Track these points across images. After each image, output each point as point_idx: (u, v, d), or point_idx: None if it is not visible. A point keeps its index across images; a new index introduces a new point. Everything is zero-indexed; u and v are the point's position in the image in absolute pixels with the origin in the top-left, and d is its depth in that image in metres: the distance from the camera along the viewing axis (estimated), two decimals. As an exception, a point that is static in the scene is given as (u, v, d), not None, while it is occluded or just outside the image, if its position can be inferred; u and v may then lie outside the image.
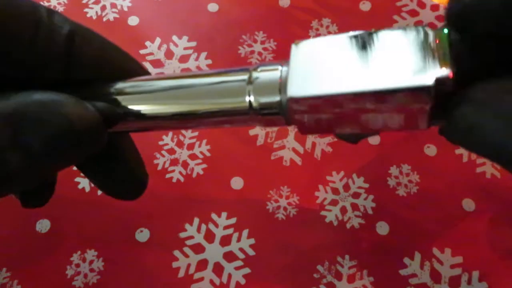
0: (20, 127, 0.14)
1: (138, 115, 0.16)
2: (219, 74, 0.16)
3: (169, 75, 0.17)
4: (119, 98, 0.17)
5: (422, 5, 0.31)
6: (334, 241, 0.25)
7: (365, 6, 0.32)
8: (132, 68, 0.19)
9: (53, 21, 0.16)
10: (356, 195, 0.26)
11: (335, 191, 0.26)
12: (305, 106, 0.14)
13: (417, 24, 0.31)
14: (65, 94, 0.15)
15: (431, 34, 0.13)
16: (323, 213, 0.26)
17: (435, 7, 0.31)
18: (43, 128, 0.14)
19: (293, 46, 0.15)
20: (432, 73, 0.12)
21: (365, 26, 0.31)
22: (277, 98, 0.15)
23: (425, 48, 0.13)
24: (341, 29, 0.31)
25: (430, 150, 0.26)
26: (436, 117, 0.13)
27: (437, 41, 0.13)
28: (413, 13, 0.31)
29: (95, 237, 0.25)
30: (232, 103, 0.15)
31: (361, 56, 0.13)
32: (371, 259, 0.24)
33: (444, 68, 0.12)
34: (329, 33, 0.31)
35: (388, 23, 0.31)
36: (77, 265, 0.25)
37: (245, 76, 0.15)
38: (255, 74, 0.15)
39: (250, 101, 0.15)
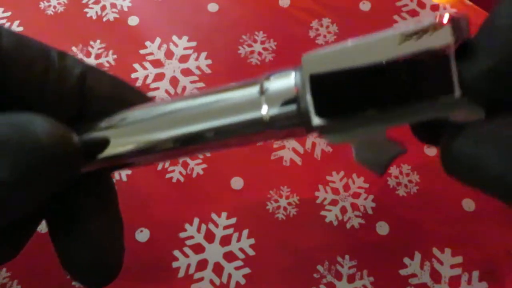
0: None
1: (136, 147, 0.15)
2: (227, 90, 0.15)
3: (174, 99, 0.16)
4: (117, 125, 0.16)
5: (422, 5, 0.31)
6: (334, 241, 0.25)
7: (365, 6, 0.32)
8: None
9: (64, 64, 0.16)
10: (356, 195, 0.26)
11: (335, 191, 0.26)
12: (328, 112, 0.13)
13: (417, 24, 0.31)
14: (39, 114, 0.13)
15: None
16: (323, 213, 0.26)
17: (435, 7, 0.31)
18: (10, 151, 0.12)
19: (304, 56, 0.14)
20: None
21: (365, 26, 0.31)
22: (296, 107, 0.13)
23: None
24: (341, 29, 0.31)
25: (430, 150, 0.26)
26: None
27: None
28: (413, 13, 0.31)
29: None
30: (245, 120, 0.14)
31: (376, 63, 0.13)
32: (371, 259, 0.24)
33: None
34: (329, 33, 0.31)
35: (388, 23, 0.31)
36: (77, 265, 0.25)
37: (256, 88, 0.14)
38: (266, 84, 0.14)
39: (265, 113, 0.14)
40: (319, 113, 0.13)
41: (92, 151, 0.16)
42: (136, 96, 0.18)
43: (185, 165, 0.27)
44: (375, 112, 0.13)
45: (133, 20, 0.32)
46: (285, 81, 0.14)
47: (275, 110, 0.14)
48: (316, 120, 0.13)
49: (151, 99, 0.19)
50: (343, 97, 0.13)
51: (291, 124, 0.14)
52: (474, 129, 0.13)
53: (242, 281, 0.24)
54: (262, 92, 0.14)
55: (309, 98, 0.13)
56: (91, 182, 0.17)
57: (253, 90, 0.14)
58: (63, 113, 0.16)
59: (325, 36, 0.31)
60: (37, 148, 0.12)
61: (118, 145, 0.16)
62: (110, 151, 0.16)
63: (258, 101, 0.14)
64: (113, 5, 0.32)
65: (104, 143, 0.15)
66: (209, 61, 0.30)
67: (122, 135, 0.16)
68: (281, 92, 0.14)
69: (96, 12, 0.32)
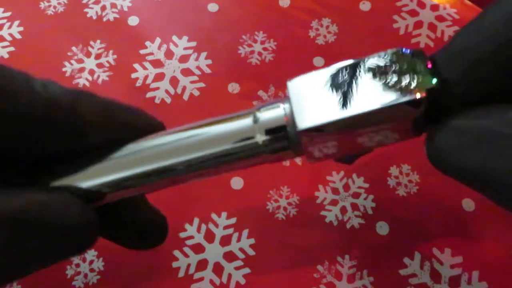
0: (19, 232, 0.14)
1: (137, 177, 0.17)
2: (222, 121, 0.17)
3: (174, 129, 0.17)
4: (119, 164, 0.17)
5: (422, 5, 0.31)
6: (334, 241, 0.25)
7: (365, 6, 0.32)
8: (145, 124, 0.18)
9: (49, 95, 0.15)
10: (356, 195, 0.26)
11: (335, 191, 0.26)
12: (315, 135, 0.15)
13: (417, 24, 0.31)
14: (66, 194, 0.15)
15: (415, 61, 0.15)
16: (323, 213, 0.26)
17: (435, 7, 0.31)
18: (42, 233, 0.14)
19: (289, 84, 0.16)
20: (416, 90, 0.14)
21: (365, 26, 0.31)
22: (285, 134, 0.16)
23: (409, 72, 0.15)
24: (341, 29, 0.31)
25: (430, 150, 0.26)
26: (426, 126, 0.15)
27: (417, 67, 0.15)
28: (413, 13, 0.31)
29: (95, 237, 0.25)
30: (243, 146, 0.16)
31: (355, 83, 0.15)
32: (371, 259, 0.24)
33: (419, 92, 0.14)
34: (329, 33, 0.31)
35: (388, 23, 0.31)
36: (77, 265, 0.25)
37: (249, 119, 0.16)
38: (258, 115, 0.16)
39: (260, 140, 0.16)
40: (306, 144, 0.16)
41: (102, 197, 0.17)
42: (134, 117, 0.18)
43: (185, 165, 0.27)
44: (353, 135, 0.16)
45: (133, 20, 0.32)
46: (275, 111, 0.16)
47: (268, 136, 0.16)
48: (303, 147, 0.16)
49: (148, 117, 0.18)
50: (328, 133, 0.16)
51: (281, 148, 0.16)
52: (455, 122, 0.14)
53: (242, 281, 0.24)
54: (255, 121, 0.16)
55: (300, 138, 0.15)
56: None
57: (248, 120, 0.16)
58: (57, 145, 0.16)
59: (325, 36, 0.31)
60: (71, 235, 0.15)
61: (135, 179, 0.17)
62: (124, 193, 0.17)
63: (253, 129, 0.16)
64: (113, 5, 0.32)
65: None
66: (209, 61, 0.30)
67: (133, 167, 0.17)
68: (272, 121, 0.16)
69: (96, 12, 0.32)
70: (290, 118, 0.16)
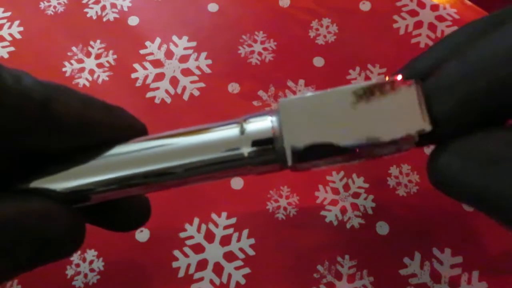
0: (14, 238, 0.14)
1: (121, 180, 0.17)
2: (209, 130, 0.17)
3: (162, 134, 0.17)
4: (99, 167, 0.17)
5: (422, 5, 0.31)
6: (334, 241, 0.25)
7: (365, 6, 0.32)
8: (124, 125, 0.18)
9: (21, 87, 0.15)
10: (356, 195, 0.26)
11: (335, 191, 0.26)
12: (302, 153, 0.15)
13: (417, 24, 0.31)
14: (57, 203, 0.16)
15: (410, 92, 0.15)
16: (323, 213, 0.26)
17: (435, 7, 0.31)
18: (36, 240, 0.15)
19: (280, 101, 0.16)
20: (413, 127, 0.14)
21: (365, 26, 0.31)
22: (272, 147, 0.16)
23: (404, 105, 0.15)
24: (341, 29, 0.31)
25: (430, 150, 0.26)
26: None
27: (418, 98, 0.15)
28: (413, 13, 0.31)
29: (95, 237, 0.25)
30: (228, 156, 0.16)
31: (349, 109, 0.15)
32: (371, 259, 0.24)
33: (425, 122, 0.14)
34: (329, 33, 0.31)
35: (388, 23, 0.31)
36: (77, 265, 0.25)
37: (236, 129, 0.16)
38: (245, 126, 0.16)
39: (246, 152, 0.16)
40: (294, 160, 0.16)
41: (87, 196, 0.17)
42: (113, 115, 0.17)
43: (185, 165, 0.27)
44: (341, 159, 0.16)
45: (133, 20, 0.32)
46: (263, 123, 0.16)
47: (254, 148, 0.16)
48: (291, 162, 0.16)
49: (129, 117, 0.18)
50: (316, 153, 0.16)
51: (267, 160, 0.16)
52: (458, 144, 0.14)
53: (242, 281, 0.24)
54: (242, 132, 0.16)
55: (288, 153, 0.16)
56: None
57: (234, 130, 0.16)
58: (30, 143, 0.15)
59: (325, 36, 0.31)
60: (56, 241, 0.15)
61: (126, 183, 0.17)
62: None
63: (239, 140, 0.16)
64: (113, 5, 0.32)
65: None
66: (209, 61, 0.30)
67: (124, 169, 0.17)
68: (259, 133, 0.16)
69: (96, 12, 0.32)
70: (278, 131, 0.16)
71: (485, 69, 0.14)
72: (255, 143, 0.16)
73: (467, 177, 0.14)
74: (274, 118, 0.16)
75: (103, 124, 0.17)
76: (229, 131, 0.16)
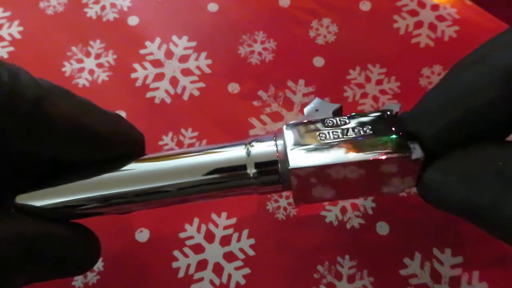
0: (34, 257, 0.15)
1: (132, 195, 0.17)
2: (216, 150, 0.18)
3: (168, 153, 0.18)
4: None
5: (422, 5, 0.31)
6: (334, 241, 0.25)
7: (365, 6, 0.32)
8: (120, 132, 0.18)
9: (16, 85, 0.14)
10: (356, 195, 0.26)
11: (335, 191, 0.26)
12: (305, 174, 0.16)
13: (417, 24, 0.31)
14: (70, 231, 0.17)
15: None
16: (323, 213, 0.26)
17: (435, 7, 0.31)
18: (53, 260, 0.16)
19: (284, 126, 0.17)
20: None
21: (365, 26, 0.31)
22: (277, 169, 0.17)
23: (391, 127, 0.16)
24: (341, 29, 0.31)
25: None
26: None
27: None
28: (413, 13, 0.31)
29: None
30: (234, 175, 0.17)
31: (346, 134, 0.16)
32: (371, 259, 0.24)
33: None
34: (329, 33, 0.31)
35: (388, 23, 0.31)
36: (77, 265, 0.25)
37: (242, 152, 0.17)
38: (251, 148, 0.17)
39: (251, 172, 0.17)
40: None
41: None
42: (105, 122, 0.17)
43: (185, 165, 0.27)
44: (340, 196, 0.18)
45: (133, 20, 0.32)
46: (268, 146, 0.17)
47: (258, 169, 0.17)
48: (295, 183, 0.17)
49: (123, 123, 0.18)
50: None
51: (270, 181, 0.17)
52: (441, 163, 0.16)
53: (242, 281, 0.24)
54: (248, 154, 0.17)
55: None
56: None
57: (241, 152, 0.17)
58: (20, 145, 0.15)
59: (325, 36, 0.30)
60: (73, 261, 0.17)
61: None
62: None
63: (245, 161, 0.17)
64: (113, 5, 0.32)
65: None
66: (209, 61, 0.30)
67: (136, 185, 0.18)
68: (264, 155, 0.17)
69: (96, 12, 0.32)
70: (283, 154, 0.17)
71: (460, 99, 0.15)
72: (259, 164, 0.17)
73: (449, 191, 0.15)
74: (279, 142, 0.17)
75: (95, 131, 0.16)
76: (236, 152, 0.17)
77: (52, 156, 0.16)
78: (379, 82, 0.29)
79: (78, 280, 0.24)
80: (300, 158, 0.16)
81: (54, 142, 0.16)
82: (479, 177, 0.14)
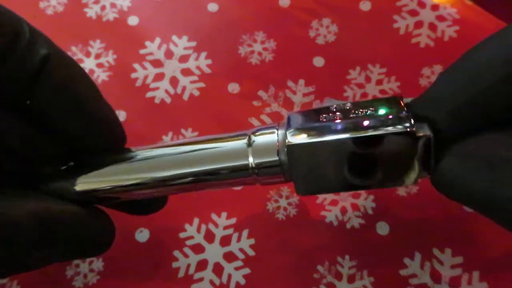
0: (51, 234, 0.16)
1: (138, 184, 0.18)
2: (219, 140, 0.18)
3: (173, 143, 0.18)
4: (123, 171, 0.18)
5: (422, 5, 0.31)
6: (334, 241, 0.25)
7: (365, 6, 0.32)
8: (98, 110, 0.18)
9: (34, 40, 0.16)
10: (356, 195, 0.26)
11: (335, 191, 0.26)
12: (302, 153, 0.16)
13: (417, 24, 0.31)
14: (83, 208, 0.18)
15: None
16: (323, 213, 0.26)
17: (435, 7, 0.31)
18: (69, 239, 0.17)
19: (288, 114, 0.17)
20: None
21: (365, 26, 0.31)
22: (276, 158, 0.16)
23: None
24: (341, 29, 0.31)
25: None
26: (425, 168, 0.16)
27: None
28: (413, 13, 0.31)
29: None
30: (235, 165, 0.17)
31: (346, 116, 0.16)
32: (371, 259, 0.24)
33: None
34: (329, 33, 0.31)
35: (388, 23, 0.31)
36: (77, 265, 0.25)
37: (244, 141, 0.17)
38: (253, 138, 0.17)
39: (252, 162, 0.17)
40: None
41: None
42: (92, 95, 0.18)
43: (185, 165, 0.27)
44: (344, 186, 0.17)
45: (133, 20, 0.32)
46: (270, 136, 0.17)
47: (260, 160, 0.17)
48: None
49: (105, 107, 0.19)
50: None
51: (271, 172, 0.17)
52: (460, 149, 0.14)
53: (242, 281, 0.24)
54: (249, 144, 0.17)
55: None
56: None
57: (242, 142, 0.17)
58: (14, 92, 0.16)
59: (325, 36, 0.30)
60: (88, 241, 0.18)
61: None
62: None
63: (246, 151, 0.17)
64: (113, 5, 0.32)
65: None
66: (209, 61, 0.30)
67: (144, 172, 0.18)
68: (265, 145, 0.17)
69: (96, 12, 0.32)
70: (282, 144, 0.16)
71: (468, 83, 0.14)
72: (261, 155, 0.17)
73: (468, 179, 0.14)
74: (281, 131, 0.17)
75: (78, 97, 0.17)
76: (237, 142, 0.17)
77: (59, 129, 0.17)
78: (379, 82, 0.29)
79: (78, 280, 0.24)
80: (298, 136, 0.16)
81: (42, 99, 0.17)
82: (501, 165, 0.13)
